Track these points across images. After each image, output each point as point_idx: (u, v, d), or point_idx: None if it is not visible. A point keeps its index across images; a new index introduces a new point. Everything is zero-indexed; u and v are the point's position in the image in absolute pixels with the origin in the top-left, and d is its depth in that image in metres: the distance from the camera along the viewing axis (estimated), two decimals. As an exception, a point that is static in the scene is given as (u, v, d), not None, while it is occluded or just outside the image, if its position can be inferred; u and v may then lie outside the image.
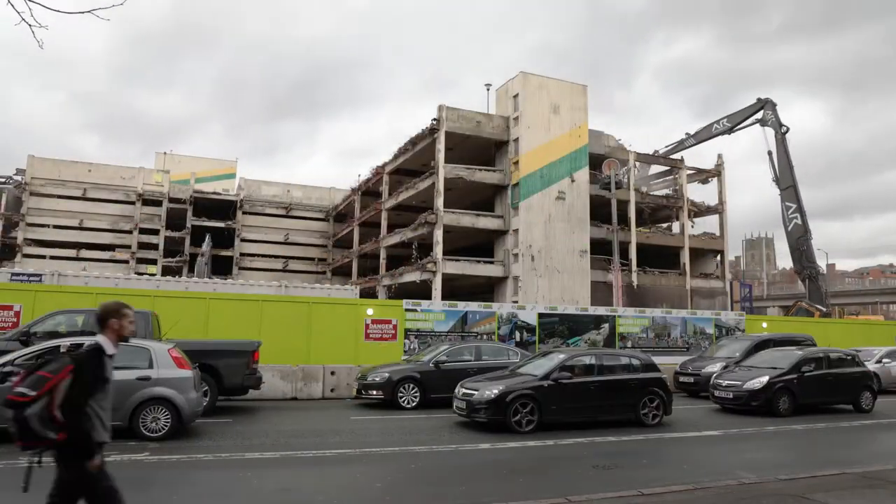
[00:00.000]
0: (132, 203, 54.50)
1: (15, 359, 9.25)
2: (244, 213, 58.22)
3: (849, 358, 15.80)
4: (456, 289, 38.53)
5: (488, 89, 41.54)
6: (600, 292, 37.66)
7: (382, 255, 43.45)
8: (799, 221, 40.35)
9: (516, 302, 33.15)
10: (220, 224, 56.52)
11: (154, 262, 53.60)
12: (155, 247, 54.24)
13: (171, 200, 55.07)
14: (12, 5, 5.22)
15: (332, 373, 16.62)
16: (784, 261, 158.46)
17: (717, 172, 46.68)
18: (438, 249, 35.32)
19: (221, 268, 52.92)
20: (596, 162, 39.71)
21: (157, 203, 55.15)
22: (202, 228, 55.65)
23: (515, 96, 38.44)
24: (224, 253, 55.98)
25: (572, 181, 38.33)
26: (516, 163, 37.39)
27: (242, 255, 57.51)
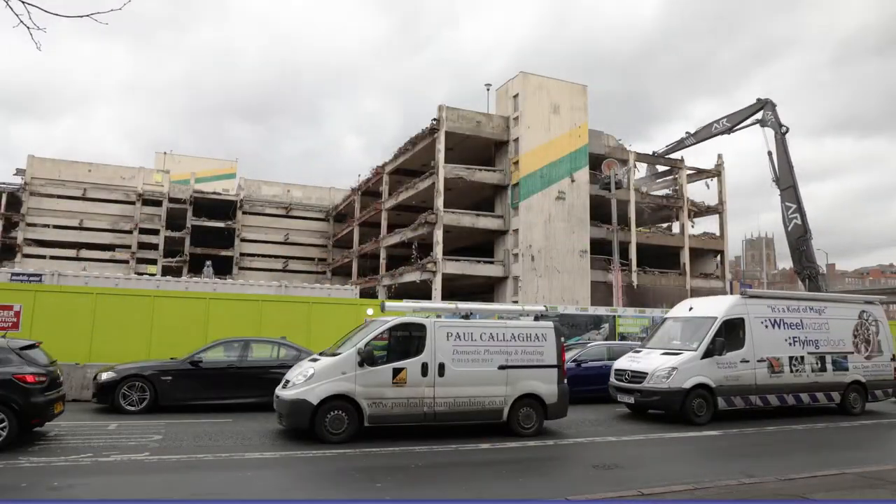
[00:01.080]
0: (132, 203, 54.52)
1: None
2: (244, 213, 58.26)
3: None
4: (456, 289, 38.51)
5: (488, 89, 41.56)
6: (600, 292, 37.67)
7: (382, 255, 43.45)
8: (799, 221, 40.26)
9: (516, 302, 33.16)
10: (220, 224, 56.56)
11: (154, 262, 53.62)
12: (155, 247, 54.26)
13: (171, 200, 55.08)
14: (10, 7, 5.22)
15: (332, 373, 16.55)
16: (784, 261, 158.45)
17: (717, 172, 46.68)
18: (438, 249, 35.32)
19: (221, 268, 52.90)
20: (596, 162, 39.71)
21: (157, 203, 55.17)
22: (202, 228, 55.73)
23: (515, 96, 38.43)
24: (224, 253, 56.01)
25: (572, 181, 38.33)
26: (516, 163, 37.38)
27: (242, 255, 57.53)
